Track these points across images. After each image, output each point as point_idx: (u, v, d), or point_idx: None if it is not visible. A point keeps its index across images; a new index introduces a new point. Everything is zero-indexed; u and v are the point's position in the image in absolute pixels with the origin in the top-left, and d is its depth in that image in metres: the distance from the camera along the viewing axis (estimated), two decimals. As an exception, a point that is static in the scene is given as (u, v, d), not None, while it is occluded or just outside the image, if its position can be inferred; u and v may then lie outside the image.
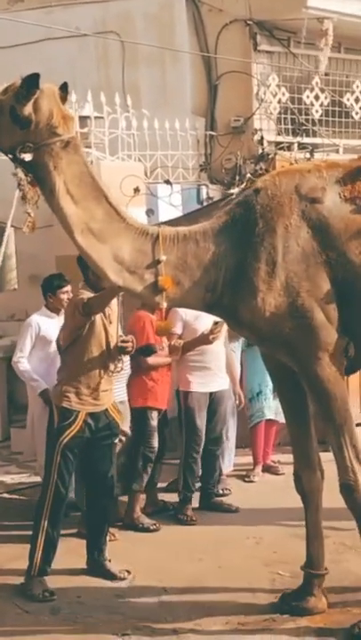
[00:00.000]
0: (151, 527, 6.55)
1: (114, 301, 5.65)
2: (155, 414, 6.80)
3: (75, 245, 4.65)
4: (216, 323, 6.41)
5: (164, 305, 4.68)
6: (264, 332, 4.71)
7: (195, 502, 6.97)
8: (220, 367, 7.04)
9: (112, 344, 5.66)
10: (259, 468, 7.89)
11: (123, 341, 5.70)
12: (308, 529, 5.09)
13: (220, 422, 7.09)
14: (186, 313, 6.71)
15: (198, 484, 7.06)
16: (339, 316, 4.65)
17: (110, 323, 5.69)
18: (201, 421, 6.92)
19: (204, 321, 6.57)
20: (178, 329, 6.84)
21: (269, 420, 7.89)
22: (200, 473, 7.02)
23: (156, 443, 6.78)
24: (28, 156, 4.44)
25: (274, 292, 4.60)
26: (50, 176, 4.48)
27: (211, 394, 6.99)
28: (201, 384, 6.92)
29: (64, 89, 4.57)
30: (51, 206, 4.57)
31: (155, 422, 6.79)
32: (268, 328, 4.65)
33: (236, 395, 7.47)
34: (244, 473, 7.86)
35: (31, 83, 4.36)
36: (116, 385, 6.23)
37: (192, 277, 4.68)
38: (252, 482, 7.62)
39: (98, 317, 5.59)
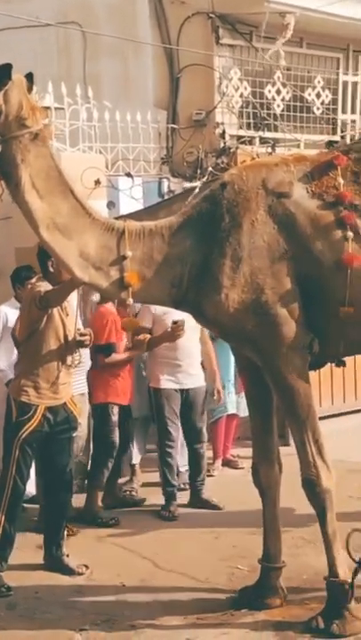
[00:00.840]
0: (110, 522, 6.52)
1: (71, 294, 5.60)
2: (115, 409, 6.77)
3: (40, 241, 4.60)
4: (176, 322, 6.39)
5: (130, 301, 4.65)
6: (228, 328, 4.69)
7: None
8: (191, 363, 6.96)
9: (70, 337, 5.61)
10: (219, 462, 7.90)
11: (81, 335, 5.66)
12: (266, 523, 5.08)
13: (199, 419, 7.04)
14: (155, 307, 6.66)
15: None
16: (303, 312, 4.64)
17: (67, 315, 5.65)
18: (172, 418, 6.87)
19: (173, 316, 6.53)
20: (147, 323, 6.80)
21: (230, 415, 7.90)
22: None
23: (116, 438, 6.76)
24: None
25: (238, 288, 4.59)
26: (16, 170, 4.40)
27: (184, 391, 6.93)
28: (171, 380, 6.87)
29: (29, 79, 4.50)
30: (15, 200, 4.50)
31: (115, 417, 6.76)
32: (232, 324, 4.64)
33: (215, 391, 7.35)
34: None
35: (3, 73, 4.28)
36: (76, 377, 6.20)
37: (158, 273, 4.64)
38: (211, 476, 7.59)
39: (55, 310, 5.54)
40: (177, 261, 4.66)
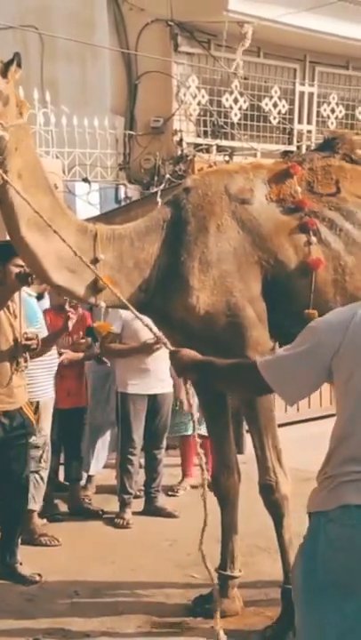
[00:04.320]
0: (49, 542, 6.24)
1: (17, 295, 5.52)
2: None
3: (12, 238, 4.39)
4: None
5: (103, 305, 4.58)
6: (196, 331, 4.67)
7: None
8: (161, 369, 6.83)
9: (20, 339, 5.54)
10: (186, 483, 7.55)
11: (27, 339, 5.56)
12: (224, 531, 5.08)
13: (161, 426, 6.96)
14: (124, 312, 6.59)
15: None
16: (268, 316, 4.68)
17: (16, 318, 5.57)
18: (137, 424, 6.80)
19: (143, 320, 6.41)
20: (117, 328, 6.70)
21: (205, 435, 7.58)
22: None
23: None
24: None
25: (207, 290, 4.60)
26: (10, 157, 4.21)
27: (150, 396, 6.86)
28: (138, 386, 6.78)
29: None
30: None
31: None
32: (201, 326, 4.64)
33: (178, 401, 7.23)
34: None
35: (14, 62, 4.18)
36: (48, 379, 6.14)
37: (128, 277, 4.61)
38: (175, 495, 7.34)
39: (1, 313, 5.46)
40: (145, 265, 4.64)
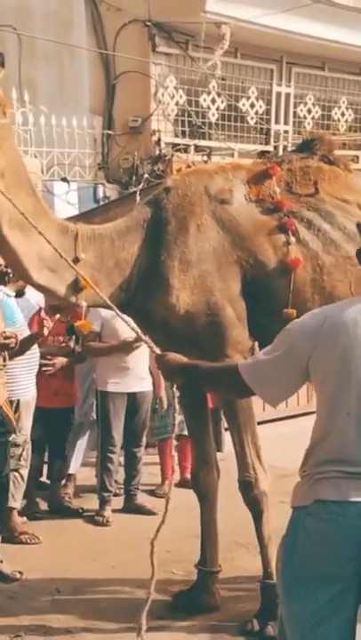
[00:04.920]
0: (29, 540, 6.25)
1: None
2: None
3: None
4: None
5: (84, 304, 4.59)
6: (177, 330, 4.72)
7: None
8: (141, 368, 6.89)
9: None
10: (167, 485, 7.44)
11: (5, 338, 5.57)
12: (204, 527, 5.13)
13: (141, 424, 6.99)
14: (103, 310, 6.61)
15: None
16: (247, 315, 4.74)
17: None
18: (116, 422, 6.83)
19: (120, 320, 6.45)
20: (97, 326, 6.72)
21: (185, 436, 7.56)
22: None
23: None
24: None
25: (188, 289, 4.64)
26: None
27: (130, 395, 6.89)
28: (118, 384, 6.81)
29: None
30: None
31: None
32: (181, 325, 4.68)
33: (158, 399, 7.27)
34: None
35: (1, 62, 4.21)
36: (29, 378, 6.17)
37: (108, 277, 4.64)
38: (159, 496, 7.29)
39: None
40: (126, 265, 4.68)
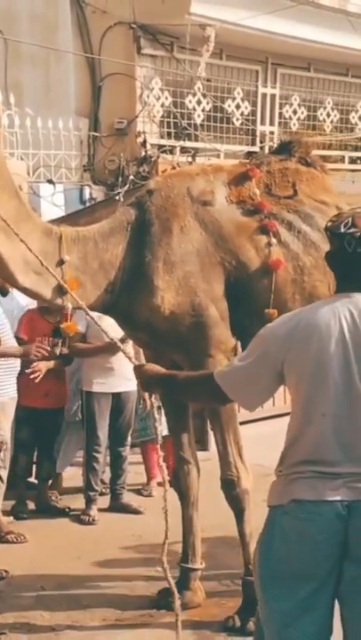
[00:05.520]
0: (15, 539, 6.31)
1: None
2: (20, 408, 6.79)
3: None
4: (123, 339, 6.24)
5: (70, 306, 4.61)
6: (161, 331, 4.78)
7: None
8: (125, 368, 6.81)
9: None
10: (153, 483, 7.54)
11: None
12: (185, 525, 5.19)
13: (126, 424, 7.04)
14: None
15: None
16: (230, 316, 4.81)
17: None
18: (101, 422, 6.88)
19: (104, 321, 6.49)
20: (81, 327, 6.74)
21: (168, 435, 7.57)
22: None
23: (22, 435, 6.77)
24: None
25: (172, 290, 4.70)
26: None
27: (115, 395, 6.94)
28: (103, 384, 6.86)
29: None
30: None
31: (20, 415, 6.74)
32: (166, 326, 4.74)
33: (141, 399, 7.24)
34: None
35: None
36: (8, 379, 6.21)
37: (93, 278, 4.68)
38: (148, 495, 7.38)
39: None
40: (110, 267, 4.72)
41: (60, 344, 6.82)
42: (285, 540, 3.03)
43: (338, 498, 2.97)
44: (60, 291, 4.57)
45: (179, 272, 4.72)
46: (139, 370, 3.73)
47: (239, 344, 4.86)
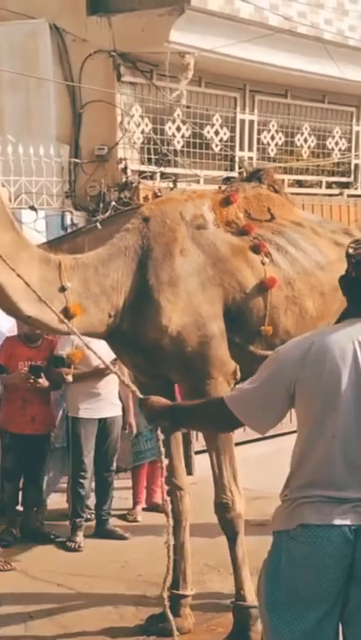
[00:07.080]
0: (2, 567, 6.27)
1: None
2: (7, 435, 6.80)
3: None
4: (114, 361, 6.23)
5: (75, 331, 4.55)
6: (166, 352, 4.82)
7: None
8: (111, 392, 6.93)
9: None
10: (138, 508, 7.57)
11: None
12: (176, 550, 5.17)
13: (111, 449, 7.02)
14: (75, 337, 6.59)
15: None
16: (228, 337, 4.90)
17: None
18: (87, 448, 6.86)
19: (93, 345, 6.47)
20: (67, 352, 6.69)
21: (153, 460, 7.44)
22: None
23: (7, 464, 6.75)
24: None
25: (178, 311, 4.79)
26: None
27: (101, 420, 6.92)
28: (89, 410, 6.85)
29: None
30: None
31: (6, 442, 6.77)
32: (171, 347, 4.80)
33: (127, 424, 7.26)
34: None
35: None
36: None
37: (96, 303, 4.71)
38: (134, 521, 7.39)
39: None
40: (112, 292, 4.77)
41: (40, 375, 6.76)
42: (292, 565, 3.01)
43: (346, 522, 2.97)
44: (64, 317, 4.50)
45: (183, 293, 4.82)
46: (145, 403, 3.71)
47: (238, 368, 4.93)
